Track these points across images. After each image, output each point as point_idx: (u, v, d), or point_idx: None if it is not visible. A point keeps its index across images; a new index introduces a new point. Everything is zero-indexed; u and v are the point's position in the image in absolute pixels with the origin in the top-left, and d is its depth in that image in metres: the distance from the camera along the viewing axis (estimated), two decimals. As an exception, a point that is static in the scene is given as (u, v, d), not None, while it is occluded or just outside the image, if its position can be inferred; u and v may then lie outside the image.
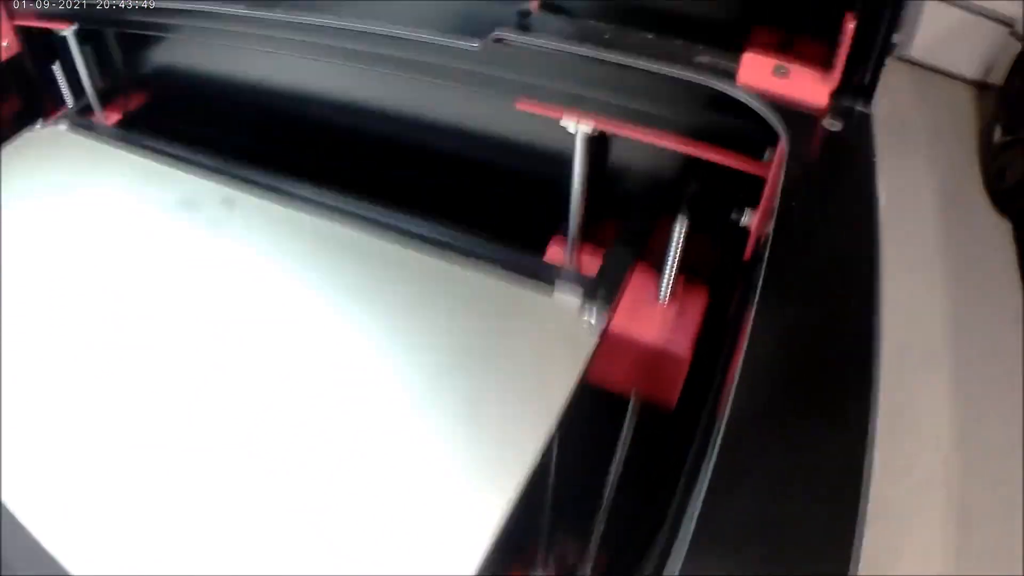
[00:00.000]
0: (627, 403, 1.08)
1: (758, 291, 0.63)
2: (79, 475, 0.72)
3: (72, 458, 0.74)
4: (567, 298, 0.90)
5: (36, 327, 0.87)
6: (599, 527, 1.46)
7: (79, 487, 0.71)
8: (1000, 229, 2.69)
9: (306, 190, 1.08)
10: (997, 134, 2.78)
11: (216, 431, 0.76)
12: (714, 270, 0.99)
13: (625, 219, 1.05)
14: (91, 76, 1.28)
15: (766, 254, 0.67)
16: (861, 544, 0.44)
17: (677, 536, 0.50)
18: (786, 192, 0.73)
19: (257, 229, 1.01)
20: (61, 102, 1.33)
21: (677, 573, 0.46)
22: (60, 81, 1.30)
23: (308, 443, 0.75)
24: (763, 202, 0.85)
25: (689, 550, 0.47)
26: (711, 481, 0.49)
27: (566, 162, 0.95)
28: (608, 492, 1.31)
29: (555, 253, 1.02)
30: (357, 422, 0.77)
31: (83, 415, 0.77)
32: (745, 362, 0.57)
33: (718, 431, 0.53)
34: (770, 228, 0.73)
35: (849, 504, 0.47)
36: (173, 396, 0.80)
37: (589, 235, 1.02)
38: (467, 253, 0.96)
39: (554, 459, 1.17)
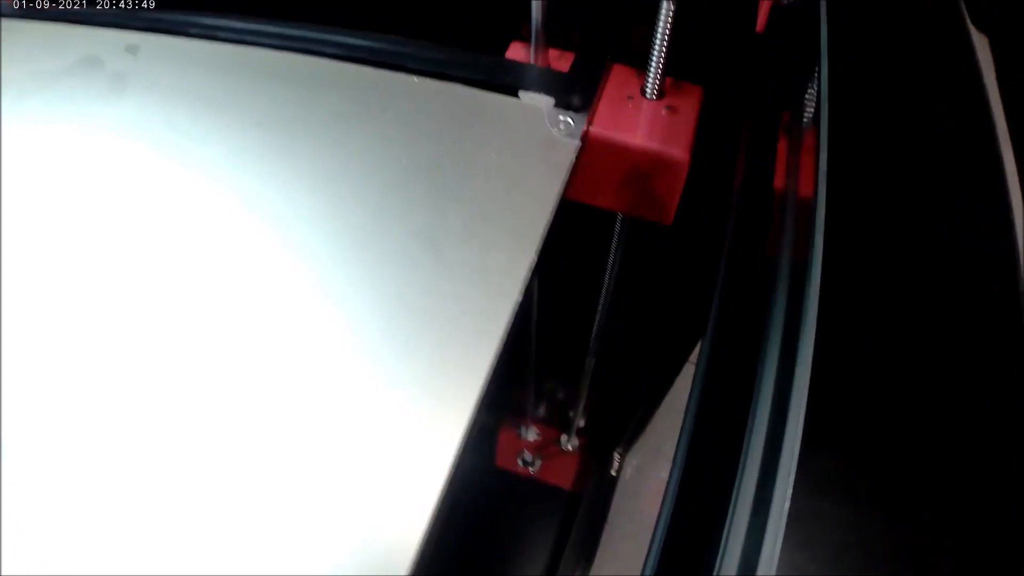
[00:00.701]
0: (615, 222, 0.96)
1: (825, 59, 0.47)
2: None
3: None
4: (537, 99, 0.75)
5: None
6: (590, 363, 1.38)
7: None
8: (978, 44, 2.62)
9: (217, 20, 0.89)
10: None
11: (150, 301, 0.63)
12: (705, 64, 0.84)
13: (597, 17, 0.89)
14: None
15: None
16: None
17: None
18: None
19: (168, 71, 0.84)
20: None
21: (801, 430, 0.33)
22: None
23: (258, 288, 0.62)
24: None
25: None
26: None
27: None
28: (598, 322, 1.22)
29: (516, 53, 0.85)
30: (307, 270, 0.63)
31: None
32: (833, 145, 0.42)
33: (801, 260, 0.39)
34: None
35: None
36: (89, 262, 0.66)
37: (554, 36, 0.85)
38: (412, 61, 0.80)
39: (536, 292, 1.07)
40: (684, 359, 1.28)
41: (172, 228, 0.68)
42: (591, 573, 1.54)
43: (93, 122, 0.78)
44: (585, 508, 1.59)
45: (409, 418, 0.54)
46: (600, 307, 1.16)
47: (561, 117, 0.73)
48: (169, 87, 0.82)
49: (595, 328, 1.24)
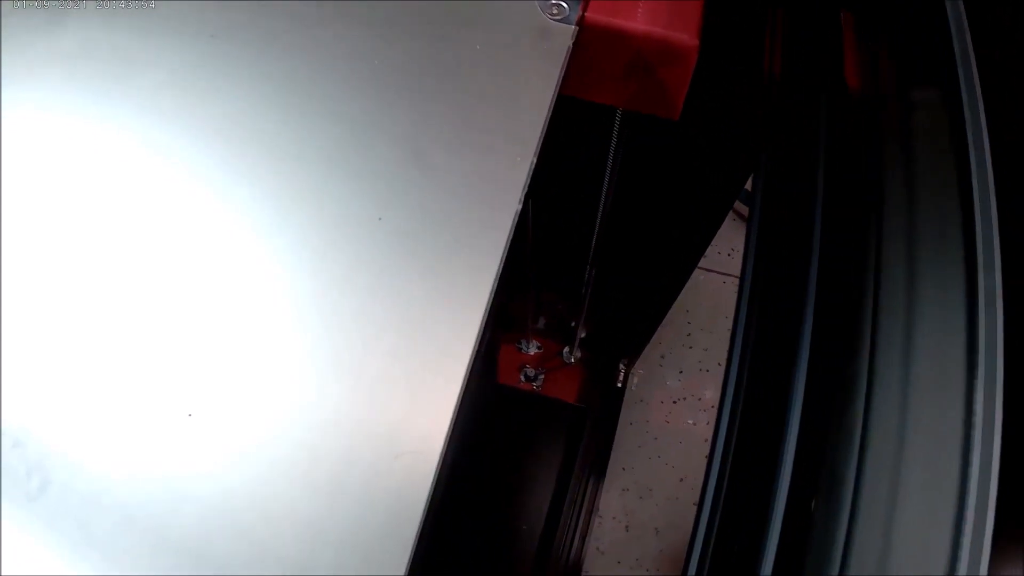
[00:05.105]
0: (613, 119, 0.88)
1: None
2: None
3: None
4: (524, -17, 0.66)
5: None
6: (590, 272, 1.32)
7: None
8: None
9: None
10: None
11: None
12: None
13: None
14: None
15: None
16: None
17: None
18: None
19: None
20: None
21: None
22: None
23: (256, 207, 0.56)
24: None
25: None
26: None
27: None
28: (598, 229, 1.15)
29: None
30: (274, 192, 0.57)
31: None
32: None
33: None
34: None
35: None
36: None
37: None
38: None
39: (531, 209, 1.00)
40: (692, 266, 1.22)
41: (130, 164, 0.60)
42: (603, 487, 1.53)
43: (33, 57, 0.69)
44: (592, 422, 1.56)
45: (411, 346, 0.50)
46: (599, 212, 1.10)
47: (553, 1, 0.65)
48: (111, 7, 0.72)
49: (595, 235, 1.17)
